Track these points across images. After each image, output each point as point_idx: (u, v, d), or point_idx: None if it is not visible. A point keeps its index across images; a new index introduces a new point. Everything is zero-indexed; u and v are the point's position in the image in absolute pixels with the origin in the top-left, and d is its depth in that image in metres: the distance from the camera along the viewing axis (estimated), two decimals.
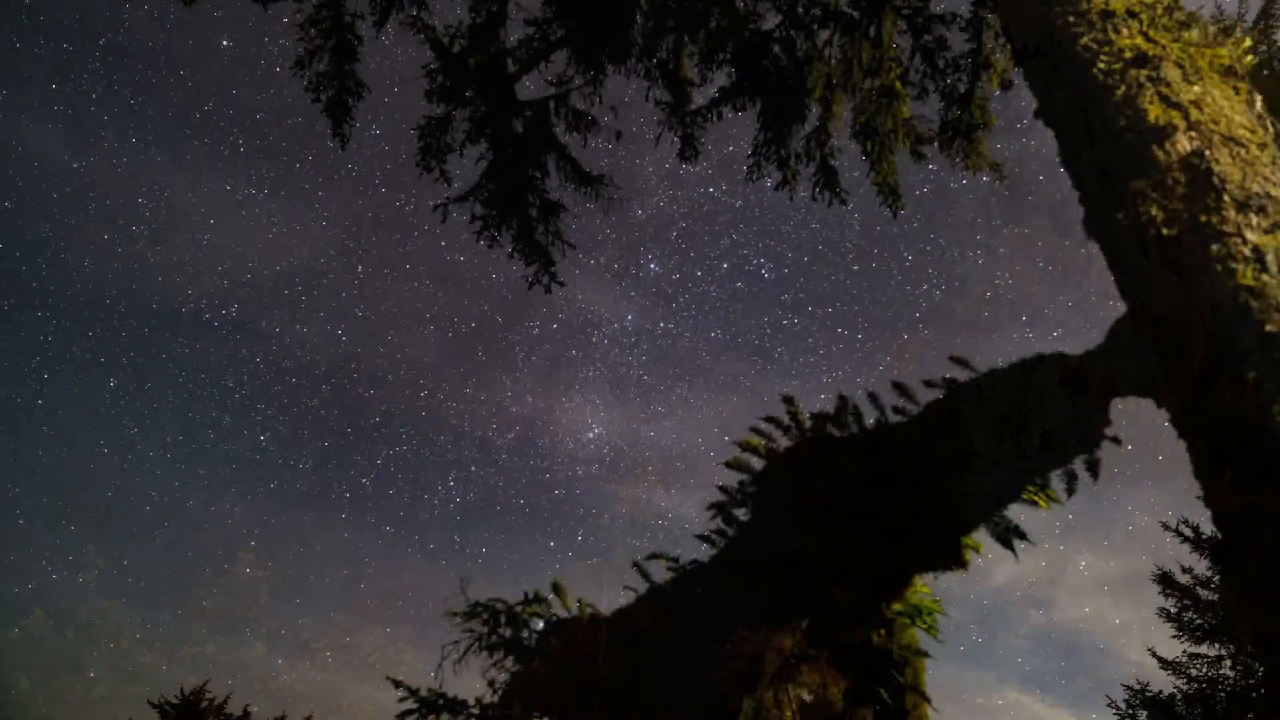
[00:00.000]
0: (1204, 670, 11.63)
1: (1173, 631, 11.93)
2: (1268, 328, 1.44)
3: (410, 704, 3.59)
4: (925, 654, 3.91)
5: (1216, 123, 1.80)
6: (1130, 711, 11.88)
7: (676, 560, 3.83)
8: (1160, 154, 1.78)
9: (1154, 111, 1.84)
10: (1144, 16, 2.07)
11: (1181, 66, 1.94)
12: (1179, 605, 12.00)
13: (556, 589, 3.86)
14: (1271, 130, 1.90)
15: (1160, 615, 12.12)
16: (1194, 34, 2.06)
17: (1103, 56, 2.01)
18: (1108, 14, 2.09)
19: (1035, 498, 3.39)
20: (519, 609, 3.78)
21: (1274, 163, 1.74)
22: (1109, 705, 12.10)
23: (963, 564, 3.34)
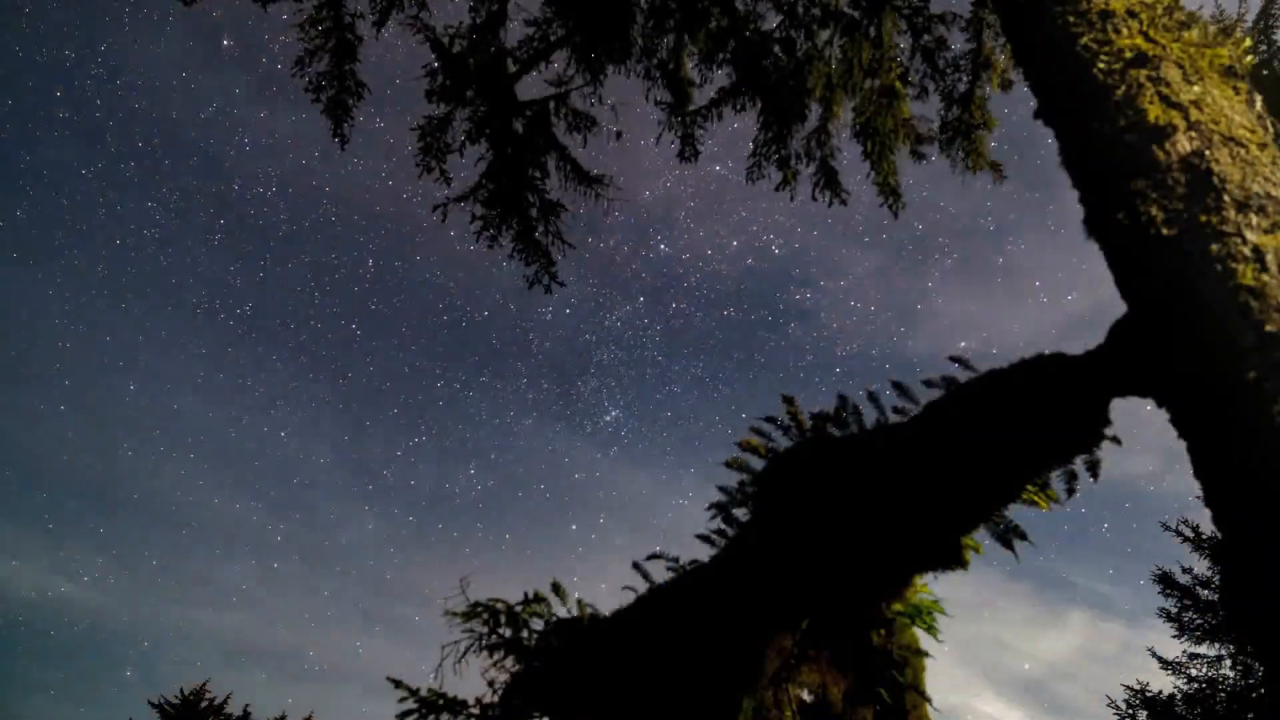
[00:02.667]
0: (1204, 670, 11.63)
1: (1173, 631, 11.93)
2: (1268, 328, 1.44)
3: (410, 704, 3.59)
4: (925, 654, 3.91)
5: (1216, 123, 1.80)
6: (1130, 712, 11.88)
7: (676, 560, 3.83)
8: (1160, 154, 1.78)
9: (1154, 111, 1.84)
10: (1144, 16, 2.07)
11: (1181, 66, 1.94)
12: (1179, 605, 11.99)
13: (556, 589, 3.86)
14: (1271, 130, 1.90)
15: (1160, 615, 12.12)
16: (1194, 34, 2.06)
17: (1103, 56, 2.01)
18: (1108, 14, 2.09)
19: (1035, 498, 3.39)
20: (519, 609, 3.78)
21: (1274, 163, 1.74)
22: (1109, 705, 12.10)
23: (963, 564, 3.34)
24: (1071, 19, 2.14)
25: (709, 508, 4.06)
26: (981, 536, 3.46)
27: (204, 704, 14.26)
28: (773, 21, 5.92)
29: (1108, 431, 2.77)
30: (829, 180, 6.42)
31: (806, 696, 3.57)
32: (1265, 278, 1.50)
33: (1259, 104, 1.97)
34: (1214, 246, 1.59)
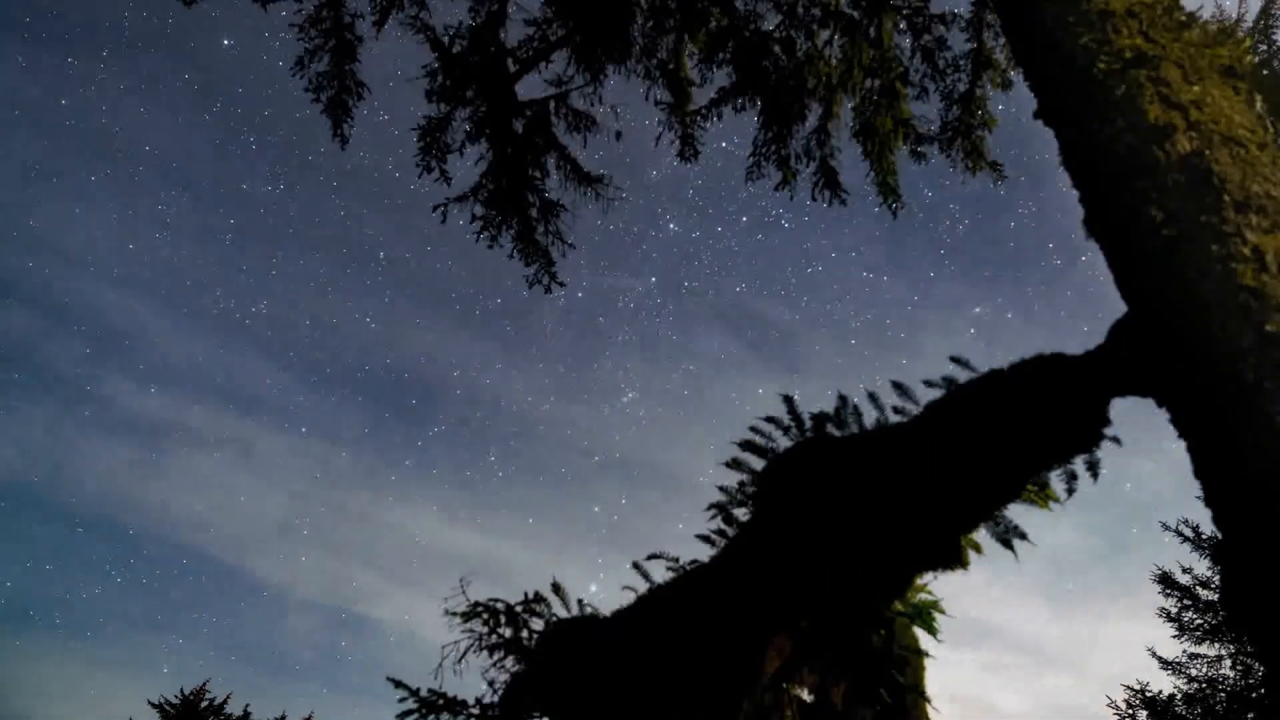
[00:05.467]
0: (1204, 670, 11.62)
1: (1173, 631, 11.92)
2: (1268, 328, 1.44)
3: (410, 704, 3.59)
4: (925, 654, 3.91)
5: (1216, 123, 1.80)
6: (1130, 712, 11.88)
7: (676, 560, 3.83)
8: (1160, 154, 1.78)
9: (1154, 111, 1.84)
10: (1144, 16, 2.07)
11: (1181, 66, 1.94)
12: (1179, 605, 11.99)
13: (556, 589, 3.86)
14: (1271, 130, 1.90)
15: (1160, 615, 12.11)
16: (1194, 34, 2.06)
17: (1103, 56, 2.01)
18: (1108, 14, 2.09)
19: (1035, 498, 3.39)
20: (519, 609, 3.78)
21: (1274, 163, 1.74)
22: (1109, 705, 12.10)
23: (963, 563, 3.34)
24: (1071, 19, 2.14)
25: (709, 508, 4.06)
26: (982, 536, 3.46)
27: (204, 704, 14.26)
28: (773, 21, 5.92)
29: (1107, 431, 2.77)
30: (829, 180, 6.42)
31: (806, 696, 3.56)
32: (1265, 278, 1.50)
33: (1259, 104, 1.97)
34: (1214, 246, 1.59)
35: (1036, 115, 2.33)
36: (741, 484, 4.00)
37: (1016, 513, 3.44)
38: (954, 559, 3.27)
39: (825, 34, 5.93)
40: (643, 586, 3.71)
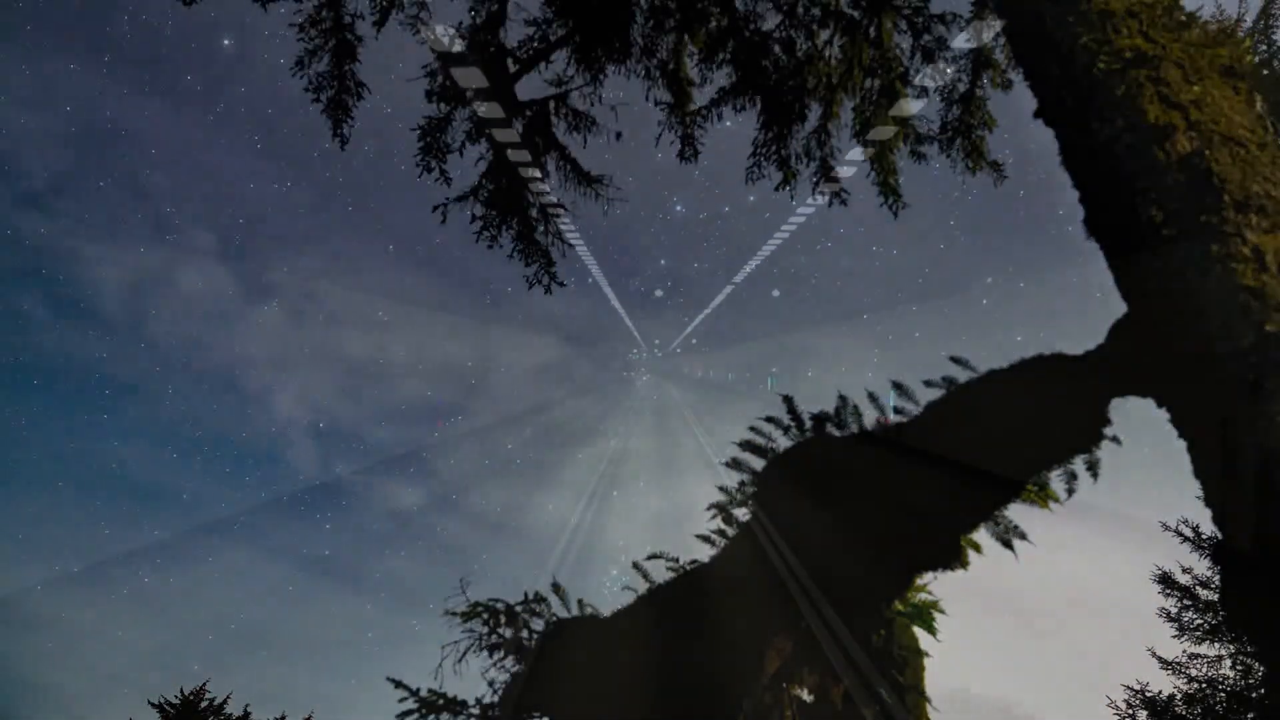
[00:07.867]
0: (1204, 670, 11.61)
1: (1173, 631, 11.91)
2: (1268, 328, 1.44)
3: (410, 704, 3.59)
4: (925, 654, 3.91)
5: (1216, 123, 1.80)
6: (1130, 712, 11.87)
7: (677, 560, 3.83)
8: (1160, 154, 1.78)
9: (1154, 111, 1.84)
10: (1144, 16, 2.07)
11: (1181, 66, 1.94)
12: (1179, 605, 11.98)
13: (556, 589, 3.86)
14: (1271, 130, 1.90)
15: (1160, 615, 12.11)
16: (1194, 34, 2.06)
17: (1103, 56, 2.01)
18: (1108, 14, 2.09)
19: (1035, 498, 3.39)
20: (519, 609, 3.77)
21: (1274, 163, 1.74)
22: (1109, 705, 12.09)
23: (963, 564, 3.34)
24: (1071, 19, 2.14)
25: (709, 508, 4.06)
26: (981, 536, 3.46)
27: (204, 704, 14.26)
28: (773, 21, 5.91)
29: (1107, 432, 2.77)
30: (829, 179, 6.41)
31: (806, 696, 3.56)
32: (1265, 278, 1.50)
33: (1259, 104, 1.97)
34: (1214, 246, 1.59)
35: (1036, 115, 2.33)
36: (741, 484, 4.00)
37: (1017, 513, 3.44)
38: (954, 559, 3.27)
39: (825, 34, 5.93)
40: (643, 586, 3.72)
